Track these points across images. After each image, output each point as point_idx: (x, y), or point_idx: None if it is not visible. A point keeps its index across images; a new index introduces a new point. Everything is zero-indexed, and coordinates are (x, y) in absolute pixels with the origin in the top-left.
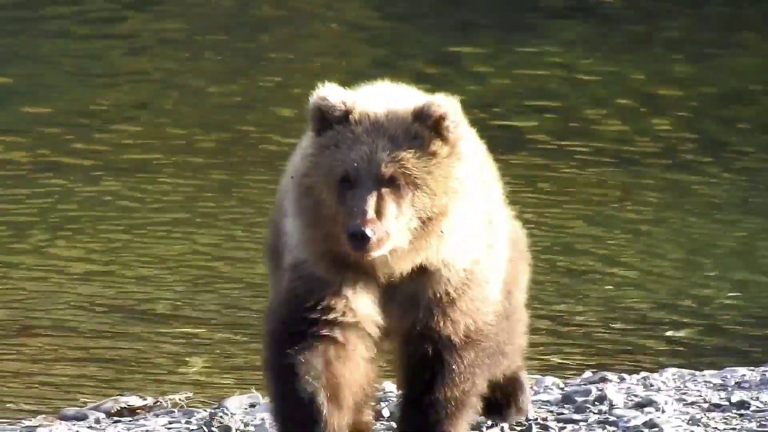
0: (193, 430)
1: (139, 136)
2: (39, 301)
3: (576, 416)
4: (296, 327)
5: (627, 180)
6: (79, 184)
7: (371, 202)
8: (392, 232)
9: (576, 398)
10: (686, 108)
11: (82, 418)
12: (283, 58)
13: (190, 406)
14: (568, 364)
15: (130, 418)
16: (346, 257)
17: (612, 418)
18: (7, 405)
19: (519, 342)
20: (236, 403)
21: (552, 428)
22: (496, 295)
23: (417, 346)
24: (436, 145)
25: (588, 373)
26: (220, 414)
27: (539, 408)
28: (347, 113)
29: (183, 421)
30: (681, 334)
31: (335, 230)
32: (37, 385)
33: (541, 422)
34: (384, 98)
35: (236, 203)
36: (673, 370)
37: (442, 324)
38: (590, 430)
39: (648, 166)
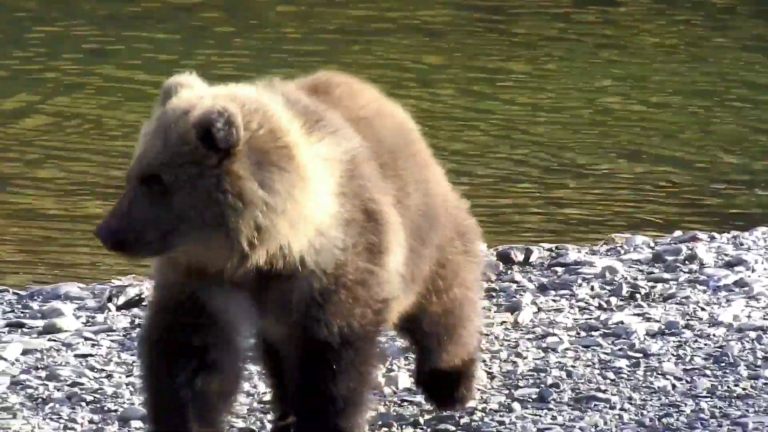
0: None
1: None
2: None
3: (666, 275)
4: (165, 335)
5: (710, 35)
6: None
7: (124, 202)
8: (146, 234)
9: (666, 257)
10: None
11: None
12: None
13: None
14: (659, 222)
15: None
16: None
17: (702, 277)
18: (98, 264)
19: (463, 338)
20: None
21: (642, 287)
22: (379, 294)
23: (293, 349)
24: (201, 154)
25: (678, 232)
26: None
27: (629, 267)
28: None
29: None
30: None
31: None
32: None
33: (632, 281)
34: (195, 98)
35: None
36: (764, 228)
37: (313, 327)
38: (680, 288)
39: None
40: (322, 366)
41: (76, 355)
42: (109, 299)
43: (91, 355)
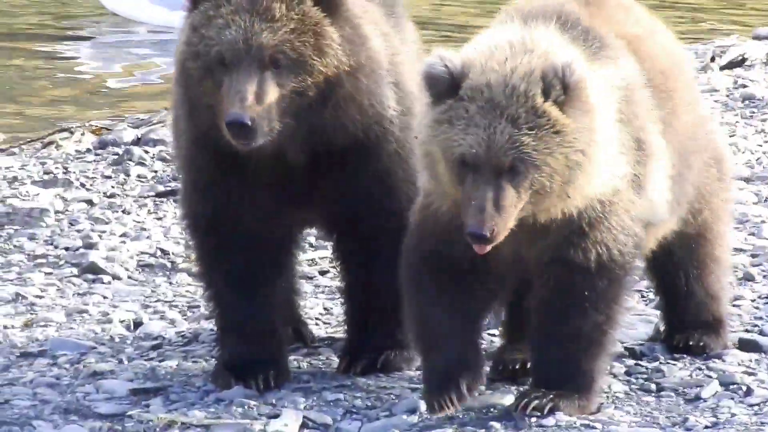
0: None
1: None
2: None
3: None
4: (432, 256)
5: None
6: None
7: (490, 196)
8: (509, 221)
9: None
10: None
11: None
12: None
13: None
14: None
15: None
16: None
17: None
18: None
19: (714, 287)
20: None
21: None
22: (638, 224)
23: (547, 276)
24: (562, 123)
25: None
26: None
27: None
28: (456, 87)
29: None
30: None
31: (456, 200)
32: None
33: None
34: (500, 62)
35: None
36: None
37: (573, 253)
38: None
39: None
40: (571, 297)
41: None
42: (712, 59)
43: None
